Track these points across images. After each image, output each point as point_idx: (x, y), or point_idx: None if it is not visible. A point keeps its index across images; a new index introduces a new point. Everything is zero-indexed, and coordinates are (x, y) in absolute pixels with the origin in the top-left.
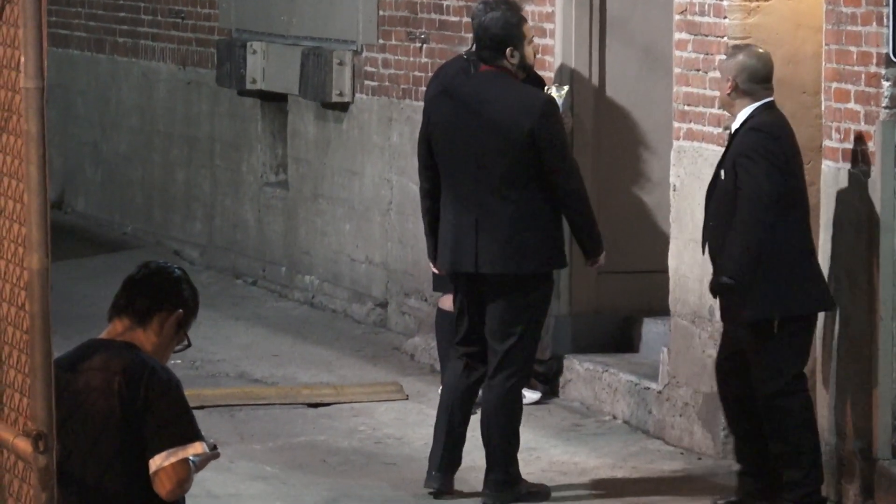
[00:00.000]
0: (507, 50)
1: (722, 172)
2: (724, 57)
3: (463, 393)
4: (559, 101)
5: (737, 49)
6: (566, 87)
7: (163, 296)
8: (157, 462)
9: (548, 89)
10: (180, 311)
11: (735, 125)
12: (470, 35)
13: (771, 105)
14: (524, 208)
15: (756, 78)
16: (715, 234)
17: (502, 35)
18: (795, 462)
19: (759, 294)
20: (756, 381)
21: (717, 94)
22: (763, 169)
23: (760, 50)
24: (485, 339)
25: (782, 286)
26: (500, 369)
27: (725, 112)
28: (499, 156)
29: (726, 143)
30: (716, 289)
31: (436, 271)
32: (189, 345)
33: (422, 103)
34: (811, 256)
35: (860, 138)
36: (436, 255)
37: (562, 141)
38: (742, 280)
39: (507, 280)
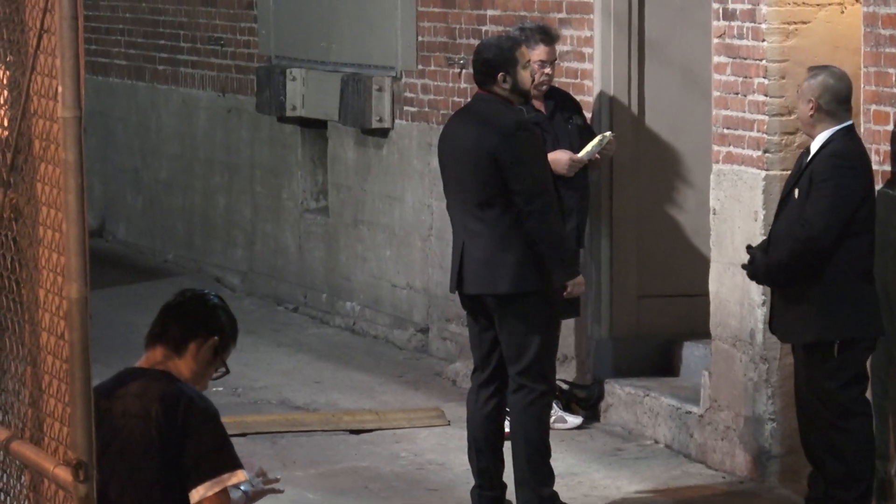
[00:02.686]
0: (499, 75)
1: (796, 192)
2: (764, 80)
3: (481, 423)
4: (599, 143)
5: (817, 70)
6: (608, 133)
7: (197, 323)
8: (199, 492)
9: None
10: (216, 337)
11: (814, 147)
12: None
13: (850, 129)
14: (498, 229)
15: (839, 98)
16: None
17: (493, 60)
18: (851, 485)
19: (818, 316)
20: (817, 402)
21: (759, 117)
22: (829, 199)
23: (840, 70)
24: (497, 364)
25: (843, 309)
26: (518, 391)
27: (803, 133)
28: (473, 178)
29: (802, 163)
30: (750, 272)
31: None
32: (227, 372)
33: None
34: (872, 282)
35: None
36: None
37: (523, 161)
38: (769, 284)
39: (501, 302)
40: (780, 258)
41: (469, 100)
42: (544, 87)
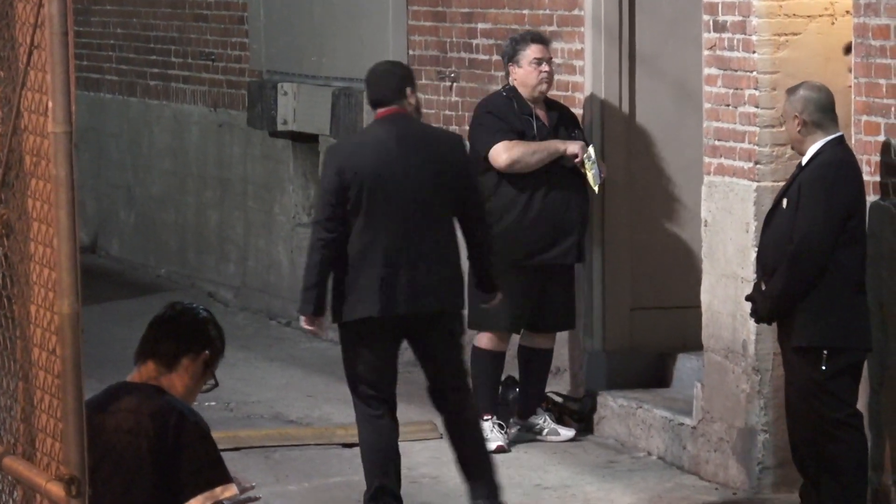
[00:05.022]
0: (407, 90)
1: (784, 201)
2: (755, 91)
3: (395, 447)
4: (592, 162)
5: (793, 88)
6: (591, 147)
7: (189, 338)
8: None
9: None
10: (207, 352)
11: (805, 159)
12: (499, 73)
13: (841, 140)
14: (450, 245)
15: (822, 108)
16: (768, 259)
17: (407, 75)
18: (846, 498)
19: (809, 322)
20: (809, 414)
21: (751, 129)
22: (822, 210)
23: (817, 83)
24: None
25: (833, 318)
26: (461, 390)
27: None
28: (432, 195)
29: (794, 174)
30: (756, 318)
31: (311, 328)
32: (216, 384)
33: None
34: (863, 294)
35: (891, 171)
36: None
37: (475, 173)
38: (776, 318)
39: (451, 317)
40: (777, 289)
41: (387, 120)
42: (544, 87)
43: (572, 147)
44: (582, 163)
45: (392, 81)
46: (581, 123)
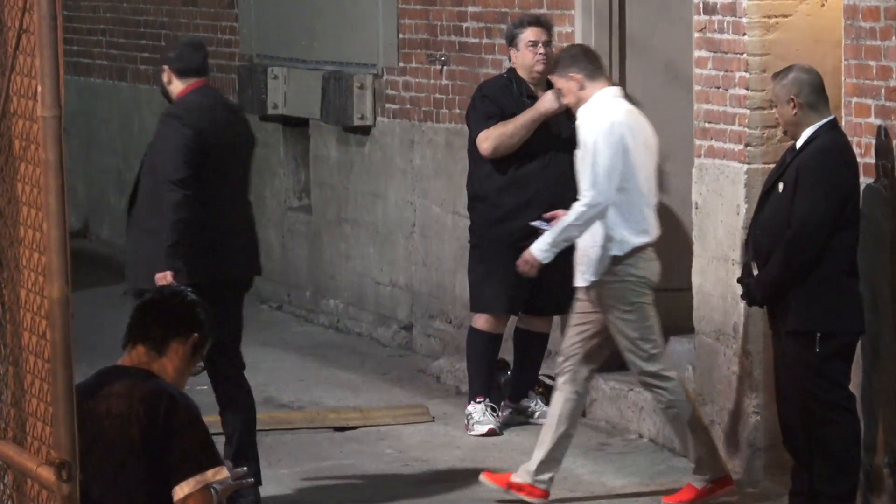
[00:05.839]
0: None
1: (780, 185)
2: (745, 74)
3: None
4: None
5: (784, 71)
6: None
7: (177, 321)
8: (183, 490)
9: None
10: (195, 334)
11: (800, 142)
12: (490, 56)
13: (834, 123)
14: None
15: (816, 89)
16: (761, 243)
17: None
18: (838, 480)
19: (801, 306)
20: (801, 398)
21: (741, 111)
22: (821, 195)
23: (806, 65)
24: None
25: (825, 302)
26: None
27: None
28: (245, 167)
29: (786, 158)
30: (749, 301)
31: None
32: (204, 368)
33: (444, 125)
34: (855, 277)
35: (881, 153)
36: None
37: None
38: (770, 303)
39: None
40: (773, 275)
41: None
42: (541, 67)
43: (545, 104)
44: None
45: (206, 56)
46: None
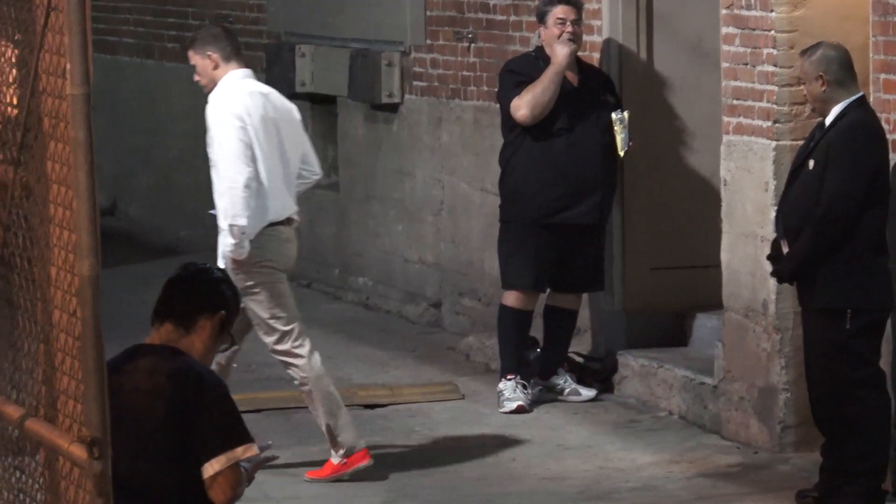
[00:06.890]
0: None
1: (811, 163)
2: (773, 50)
3: None
4: (622, 126)
5: (811, 48)
6: (626, 112)
7: (204, 298)
8: (213, 467)
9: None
10: (223, 312)
11: (829, 120)
12: (518, 34)
13: (863, 100)
14: None
15: (844, 65)
16: (791, 220)
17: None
18: (868, 457)
19: (831, 283)
20: (830, 375)
21: (769, 88)
22: (851, 172)
23: (833, 41)
24: None
25: (854, 279)
26: None
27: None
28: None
29: (815, 135)
30: (778, 278)
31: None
32: (233, 344)
33: (472, 102)
34: (885, 254)
35: None
36: None
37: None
38: (799, 280)
39: None
40: (802, 251)
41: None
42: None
43: (560, 55)
44: (611, 123)
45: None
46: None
